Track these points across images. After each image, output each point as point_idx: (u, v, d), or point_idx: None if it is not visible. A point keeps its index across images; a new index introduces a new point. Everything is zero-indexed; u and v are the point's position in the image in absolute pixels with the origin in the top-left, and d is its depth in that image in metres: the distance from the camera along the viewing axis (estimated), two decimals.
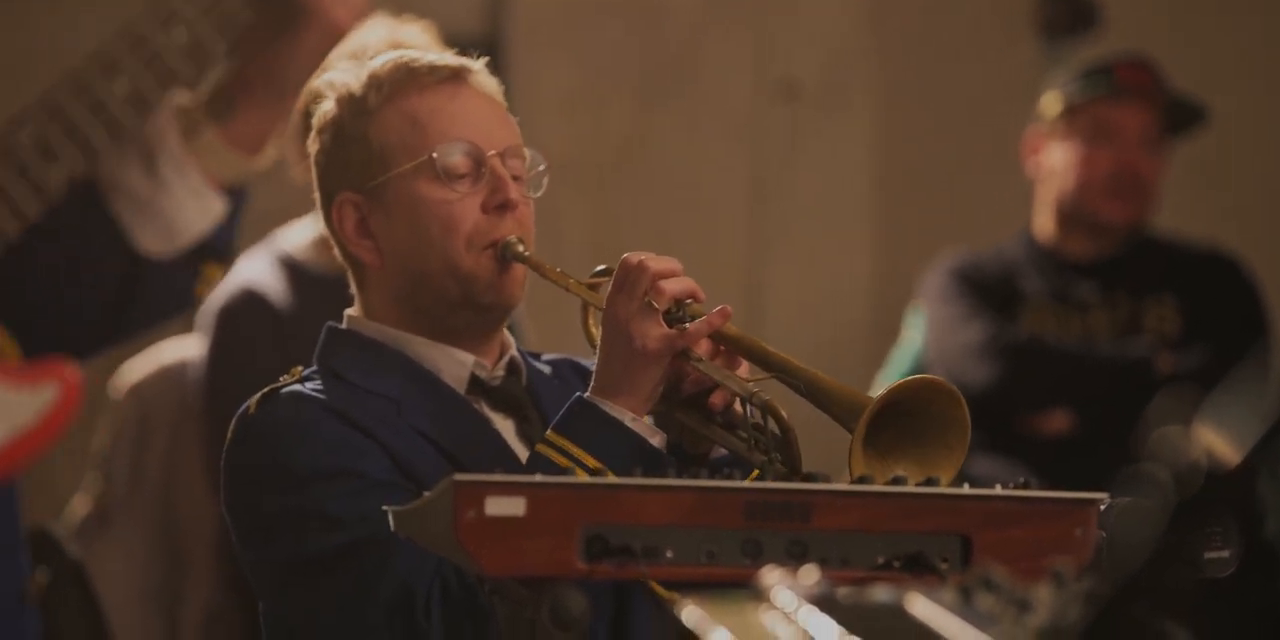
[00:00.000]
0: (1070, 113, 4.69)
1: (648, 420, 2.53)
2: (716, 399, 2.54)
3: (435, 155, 2.62)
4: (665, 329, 2.51)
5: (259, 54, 2.12)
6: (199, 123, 2.18)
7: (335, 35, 2.10)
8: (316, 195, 2.71)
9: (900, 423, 2.41)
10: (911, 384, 2.40)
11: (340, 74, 2.67)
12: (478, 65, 2.69)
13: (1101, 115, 4.67)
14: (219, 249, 2.21)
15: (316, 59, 2.13)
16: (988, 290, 4.68)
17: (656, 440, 2.52)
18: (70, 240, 2.02)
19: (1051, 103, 4.74)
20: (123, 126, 2.03)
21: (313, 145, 2.70)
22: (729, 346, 2.55)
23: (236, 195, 2.21)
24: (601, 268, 2.70)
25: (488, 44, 2.85)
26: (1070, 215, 4.70)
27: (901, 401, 2.39)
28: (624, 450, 2.46)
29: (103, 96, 2.03)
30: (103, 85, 2.04)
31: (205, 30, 2.06)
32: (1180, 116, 4.73)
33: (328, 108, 2.67)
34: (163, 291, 2.23)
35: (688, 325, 2.51)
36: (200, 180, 2.17)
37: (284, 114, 2.17)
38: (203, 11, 2.06)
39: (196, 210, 2.19)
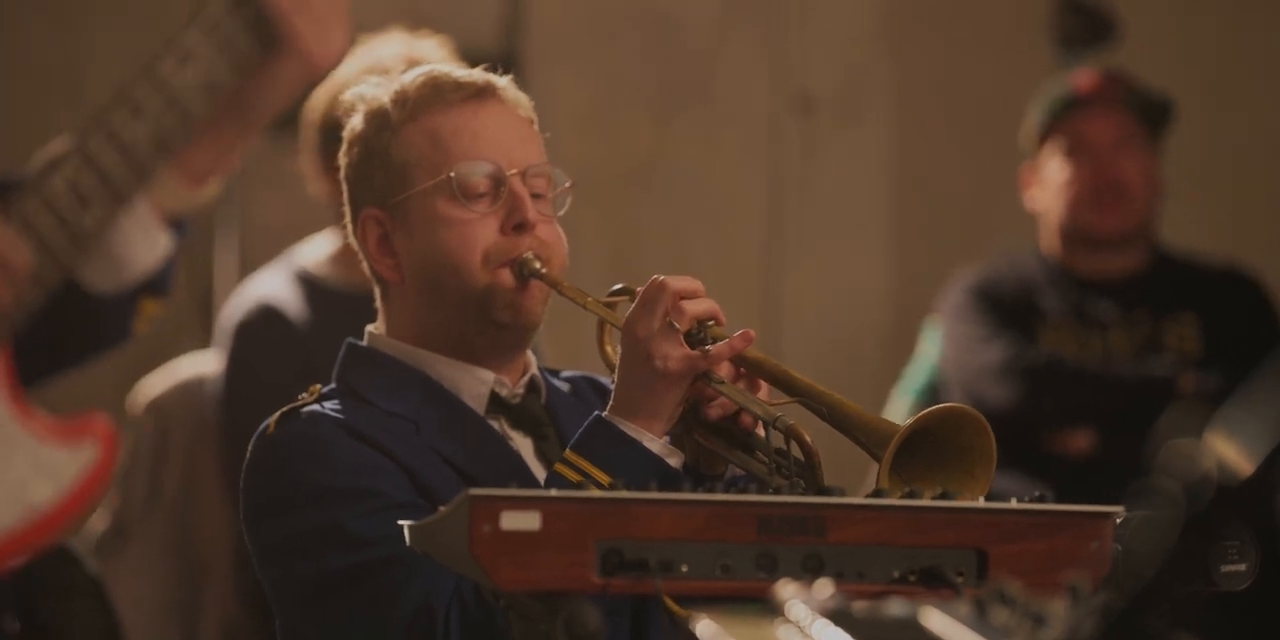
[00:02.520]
0: (1044, 138, 4.71)
1: (665, 440, 2.53)
2: (738, 422, 2.53)
3: (454, 174, 2.62)
4: (687, 350, 2.51)
5: (233, 88, 2.09)
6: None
7: (312, 72, 2.07)
8: (346, 209, 2.71)
9: (926, 451, 2.40)
10: (939, 412, 2.39)
11: (372, 88, 2.67)
12: (504, 82, 2.68)
13: (1072, 131, 4.68)
14: (160, 285, 2.16)
15: (286, 95, 2.10)
16: (1007, 308, 4.68)
17: (674, 461, 2.51)
18: None
19: (1028, 135, 4.75)
20: (148, 170, 2.01)
21: (343, 159, 2.70)
22: (751, 370, 2.54)
23: (179, 228, 2.16)
24: (619, 287, 2.69)
25: (504, 59, 2.85)
26: (1071, 236, 4.71)
27: (928, 429, 2.39)
28: (641, 470, 2.45)
29: (128, 139, 2.02)
30: (129, 128, 2.02)
31: (220, 68, 2.05)
32: (1153, 115, 4.72)
33: (357, 122, 2.68)
34: (102, 327, 2.19)
35: (710, 347, 2.51)
36: (148, 214, 2.11)
37: (238, 148, 2.13)
38: (216, 50, 2.05)
39: (144, 245, 2.13)
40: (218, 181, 2.16)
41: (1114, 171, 4.65)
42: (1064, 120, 4.68)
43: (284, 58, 2.03)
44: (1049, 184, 4.70)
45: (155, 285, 2.15)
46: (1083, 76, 4.73)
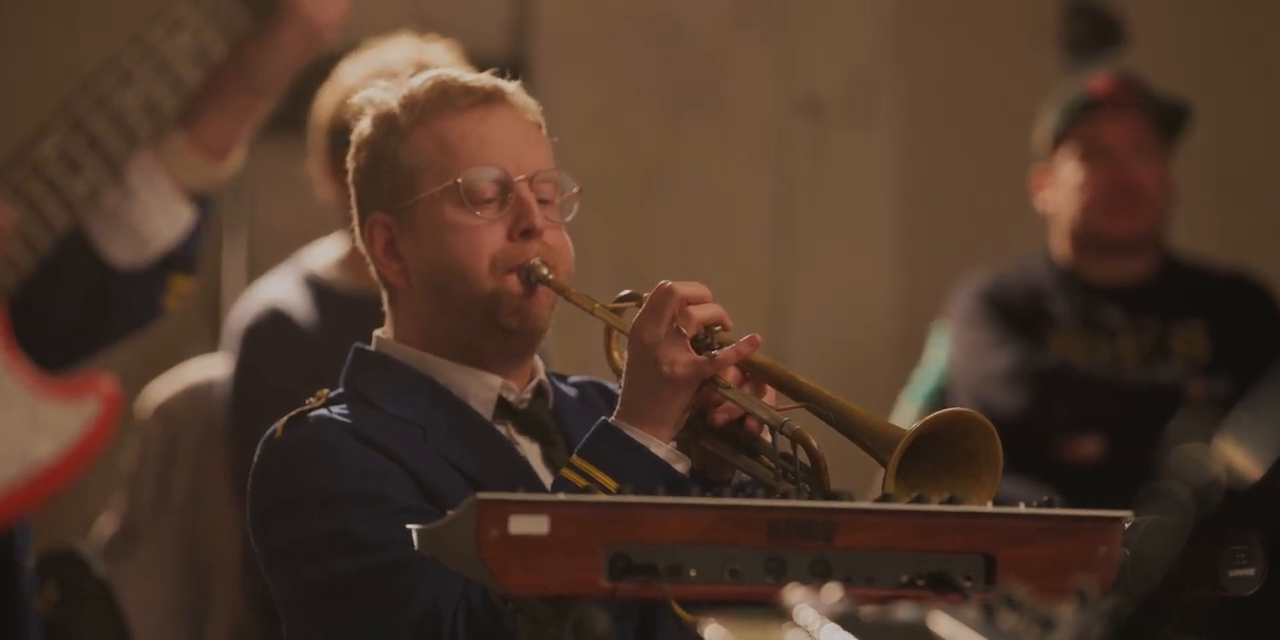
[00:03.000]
0: (1059, 141, 4.70)
1: (672, 446, 2.52)
2: (745, 427, 2.53)
3: (461, 180, 2.62)
4: (694, 355, 2.50)
5: (234, 56, 2.10)
6: (165, 128, 2.14)
7: (312, 36, 2.08)
8: (354, 213, 2.72)
9: (932, 455, 2.40)
10: (946, 417, 2.39)
11: (380, 92, 2.67)
12: (513, 86, 2.68)
13: (1087, 135, 4.67)
14: (186, 260, 2.18)
15: (291, 60, 2.11)
16: (1015, 314, 4.67)
17: (681, 466, 2.51)
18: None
19: (1041, 138, 4.75)
20: (138, 137, 2.03)
21: (350, 163, 2.70)
22: (758, 375, 2.54)
23: (203, 204, 2.18)
24: (626, 293, 2.69)
25: (512, 63, 2.85)
26: (1083, 239, 4.70)
27: (934, 434, 2.39)
28: (648, 476, 2.45)
29: (119, 106, 2.03)
30: (119, 95, 2.03)
31: (209, 35, 2.06)
32: (1168, 120, 4.72)
33: (365, 126, 2.68)
34: (131, 303, 2.21)
35: (716, 352, 2.51)
36: (168, 188, 2.13)
37: (252, 117, 2.14)
38: (206, 17, 2.05)
39: (164, 219, 2.15)
40: (238, 155, 2.16)
41: (1129, 176, 4.65)
42: (1079, 123, 4.67)
43: (284, 23, 2.04)
44: (1062, 186, 4.70)
45: (182, 260, 2.17)
46: (1099, 80, 4.72)
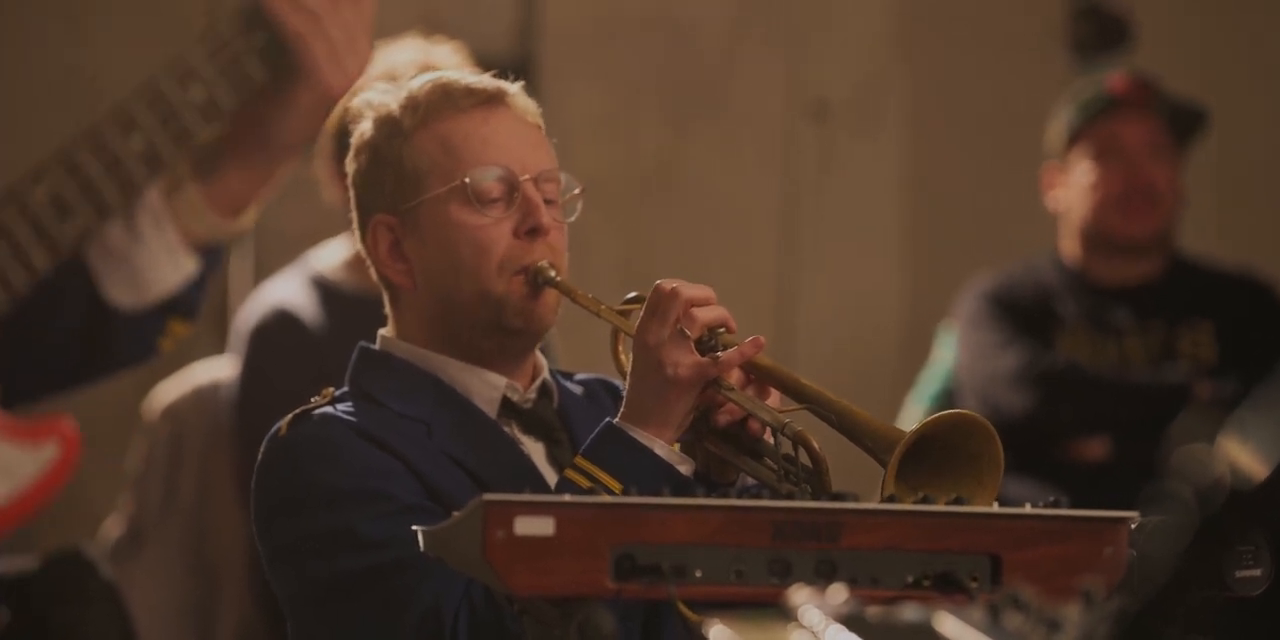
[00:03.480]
0: (1074, 140, 4.69)
1: (676, 448, 2.53)
2: (748, 429, 2.53)
3: (468, 180, 2.63)
4: (697, 357, 2.51)
5: (252, 114, 2.08)
6: (182, 179, 2.12)
7: (329, 99, 2.06)
8: (354, 215, 2.72)
9: (933, 457, 2.40)
10: (946, 419, 2.39)
11: (380, 94, 2.68)
12: (515, 88, 2.69)
13: (1104, 134, 4.67)
14: (188, 306, 2.16)
15: (310, 123, 2.09)
16: (1023, 315, 4.67)
17: (685, 468, 2.51)
18: (42, 284, 1.99)
19: (1055, 136, 4.74)
20: (135, 184, 2.02)
21: (350, 165, 2.71)
22: (761, 377, 2.55)
23: (213, 254, 2.16)
24: (633, 295, 2.70)
25: (518, 65, 2.86)
26: (1094, 239, 4.69)
27: (935, 436, 2.39)
28: (652, 477, 2.45)
29: (119, 153, 2.02)
30: (119, 141, 2.02)
31: (222, 89, 2.05)
32: (1184, 123, 4.72)
33: (365, 129, 2.68)
34: (127, 342, 2.19)
35: (720, 354, 2.51)
36: (176, 237, 2.11)
37: (268, 178, 2.12)
38: (220, 71, 2.04)
39: (169, 266, 2.12)
40: (252, 212, 2.15)
41: (1144, 177, 4.65)
42: (1096, 122, 4.66)
43: (302, 85, 2.03)
44: (1075, 185, 4.69)
45: (184, 306, 2.15)
46: (1117, 79, 4.71)
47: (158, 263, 2.07)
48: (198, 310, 2.17)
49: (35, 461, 1.93)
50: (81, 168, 1.95)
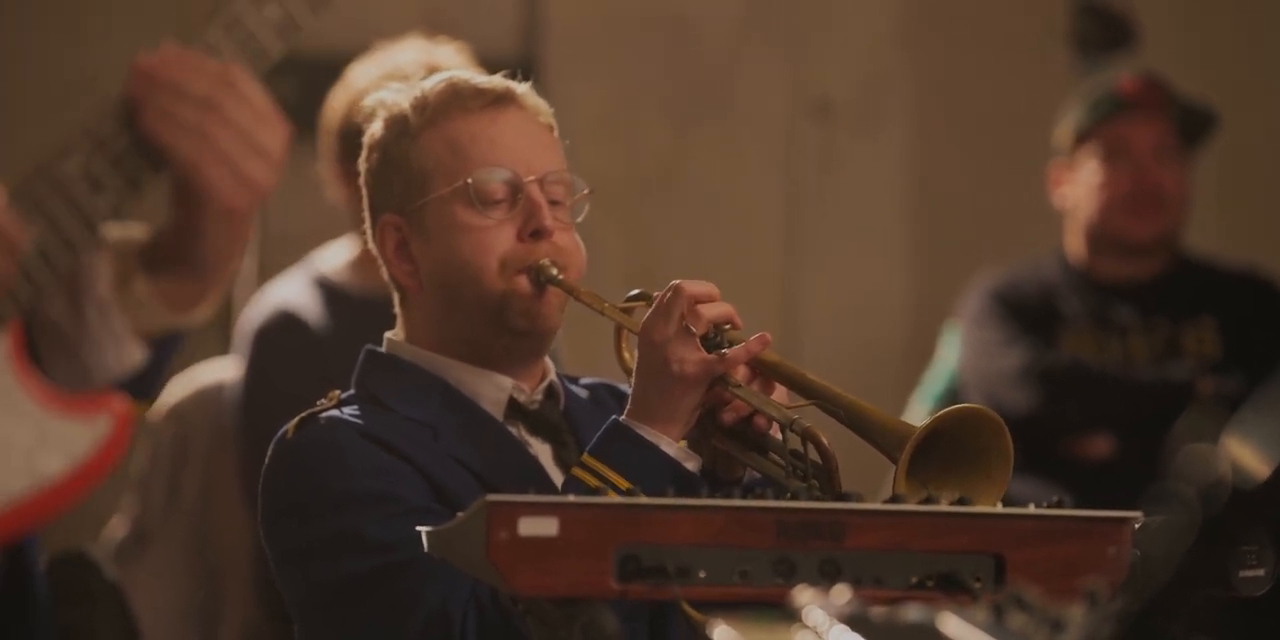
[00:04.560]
0: (1082, 139, 4.69)
1: (683, 445, 2.53)
2: (755, 425, 2.53)
3: (471, 181, 2.63)
4: (703, 354, 2.51)
5: (169, 230, 1.97)
6: (131, 271, 2.01)
7: (235, 219, 1.93)
8: (365, 215, 2.72)
9: (943, 452, 2.40)
10: (956, 413, 2.39)
11: (392, 94, 2.68)
12: (524, 88, 2.69)
13: (1113, 134, 4.66)
14: (140, 389, 2.06)
15: (225, 244, 1.96)
16: (1027, 313, 4.67)
17: (691, 465, 2.51)
18: None
19: (1064, 134, 4.73)
20: (165, 161, 1.96)
21: (362, 165, 2.71)
22: (767, 373, 2.55)
23: (167, 343, 2.06)
24: (636, 292, 2.70)
25: (523, 65, 2.85)
26: (1099, 239, 4.69)
27: (945, 431, 2.39)
28: (659, 474, 2.45)
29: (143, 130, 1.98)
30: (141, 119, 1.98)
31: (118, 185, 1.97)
32: (1194, 125, 4.71)
33: (376, 128, 2.69)
34: None
35: (726, 351, 2.51)
36: (124, 328, 1.99)
37: (213, 284, 2.01)
38: (111, 166, 1.97)
39: (114, 356, 2.03)
40: (208, 307, 2.05)
41: (1153, 179, 4.64)
42: (1105, 122, 4.66)
43: (200, 212, 1.92)
44: (1082, 184, 4.69)
45: (133, 390, 2.06)
46: (1128, 80, 4.71)
47: (102, 351, 1.97)
48: (153, 392, 2.09)
49: (90, 435, 1.92)
50: (109, 142, 1.92)
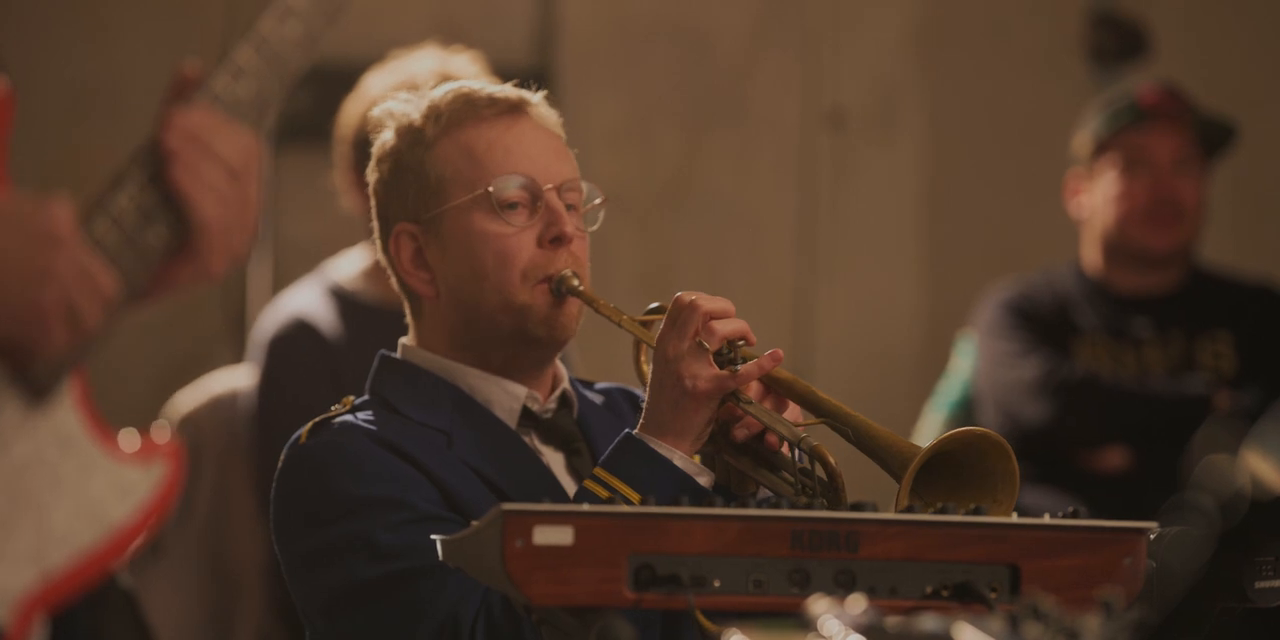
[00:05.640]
0: (1101, 149, 4.68)
1: (696, 460, 2.53)
2: (766, 442, 2.53)
3: (491, 188, 2.63)
4: (716, 370, 2.51)
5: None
6: None
7: (203, 281, 1.97)
8: (375, 224, 2.72)
9: (948, 473, 2.40)
10: (962, 436, 2.39)
11: (401, 104, 2.68)
12: (537, 97, 2.69)
13: (1132, 145, 4.65)
14: None
15: (177, 290, 2.00)
16: (1042, 324, 4.66)
17: (704, 479, 2.51)
18: None
19: (1083, 143, 4.73)
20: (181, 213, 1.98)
21: (372, 174, 2.71)
22: (779, 390, 2.55)
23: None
24: (655, 305, 2.70)
25: (537, 75, 2.85)
26: (1116, 249, 4.68)
27: (951, 452, 2.38)
28: (671, 488, 2.45)
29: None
30: None
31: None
32: (1213, 137, 4.71)
33: (387, 138, 2.69)
34: None
35: (739, 367, 2.51)
36: None
37: (124, 311, 2.04)
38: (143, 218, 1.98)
39: None
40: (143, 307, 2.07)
41: (1171, 190, 4.63)
42: (1125, 132, 4.65)
43: (187, 266, 1.96)
44: (1100, 195, 4.68)
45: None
46: (1148, 90, 4.70)
47: None
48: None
49: (149, 480, 1.93)
50: (157, 175, 1.94)
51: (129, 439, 1.93)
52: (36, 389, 1.88)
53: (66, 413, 1.90)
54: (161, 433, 1.95)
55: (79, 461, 1.89)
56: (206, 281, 1.94)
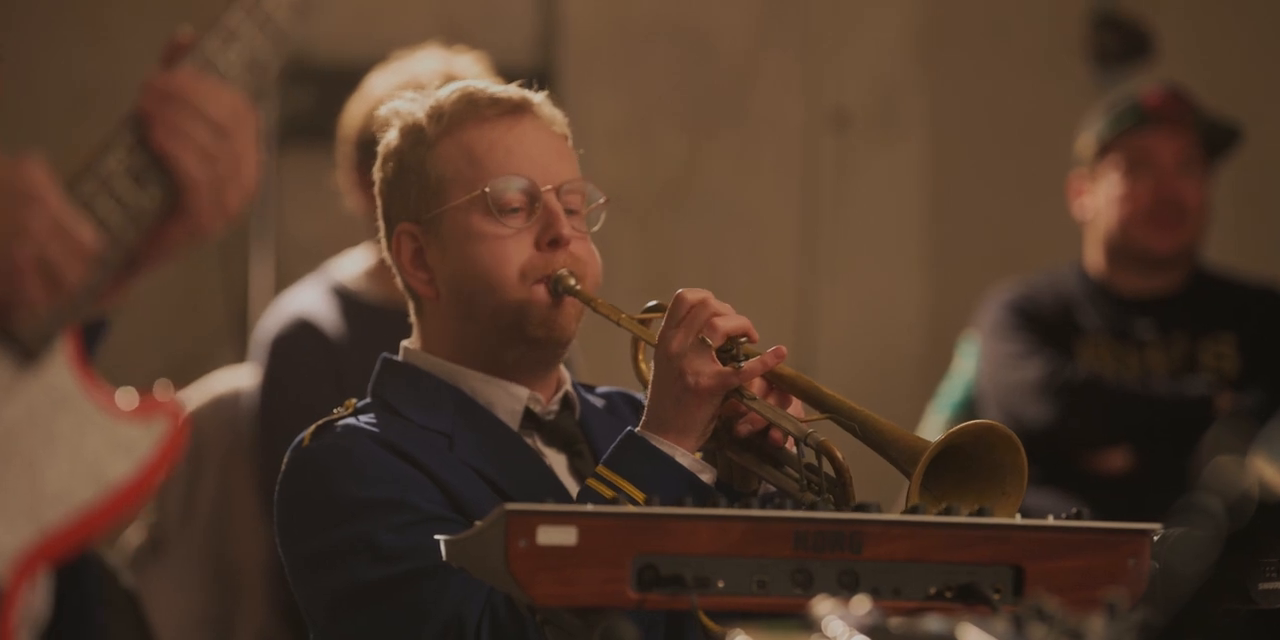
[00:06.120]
0: (1105, 150, 4.68)
1: (698, 457, 2.53)
2: (770, 438, 2.53)
3: (488, 190, 2.63)
4: (719, 366, 2.51)
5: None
6: None
7: (200, 238, 1.98)
8: (380, 224, 2.72)
9: (957, 467, 2.40)
10: (971, 429, 2.39)
11: (407, 103, 2.68)
12: (540, 97, 2.69)
13: (1135, 147, 4.65)
14: None
15: (172, 249, 2.01)
16: (1045, 325, 4.66)
17: (706, 476, 2.51)
18: None
19: (1086, 144, 4.72)
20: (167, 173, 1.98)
21: (377, 174, 2.71)
22: (783, 386, 2.54)
23: (92, 331, 2.08)
24: (653, 303, 2.70)
25: (539, 75, 2.85)
26: (1119, 251, 4.68)
27: (960, 446, 2.38)
28: (674, 486, 2.45)
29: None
30: None
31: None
32: (1216, 139, 4.71)
33: (391, 137, 2.69)
34: None
35: (742, 363, 2.51)
36: None
37: (140, 280, 2.04)
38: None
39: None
40: (127, 292, 2.07)
41: (1175, 192, 4.63)
42: (1129, 134, 4.65)
43: (173, 222, 1.96)
44: (1103, 196, 4.68)
45: None
46: (1152, 92, 4.70)
47: None
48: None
49: (150, 437, 1.93)
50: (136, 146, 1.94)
51: (128, 397, 1.93)
52: (26, 349, 1.87)
53: (60, 371, 1.90)
54: (164, 391, 1.95)
55: (74, 419, 1.89)
56: (201, 240, 1.95)
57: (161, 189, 1.93)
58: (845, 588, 2.12)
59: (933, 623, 1.81)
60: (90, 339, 2.01)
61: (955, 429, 2.39)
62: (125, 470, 1.90)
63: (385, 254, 2.72)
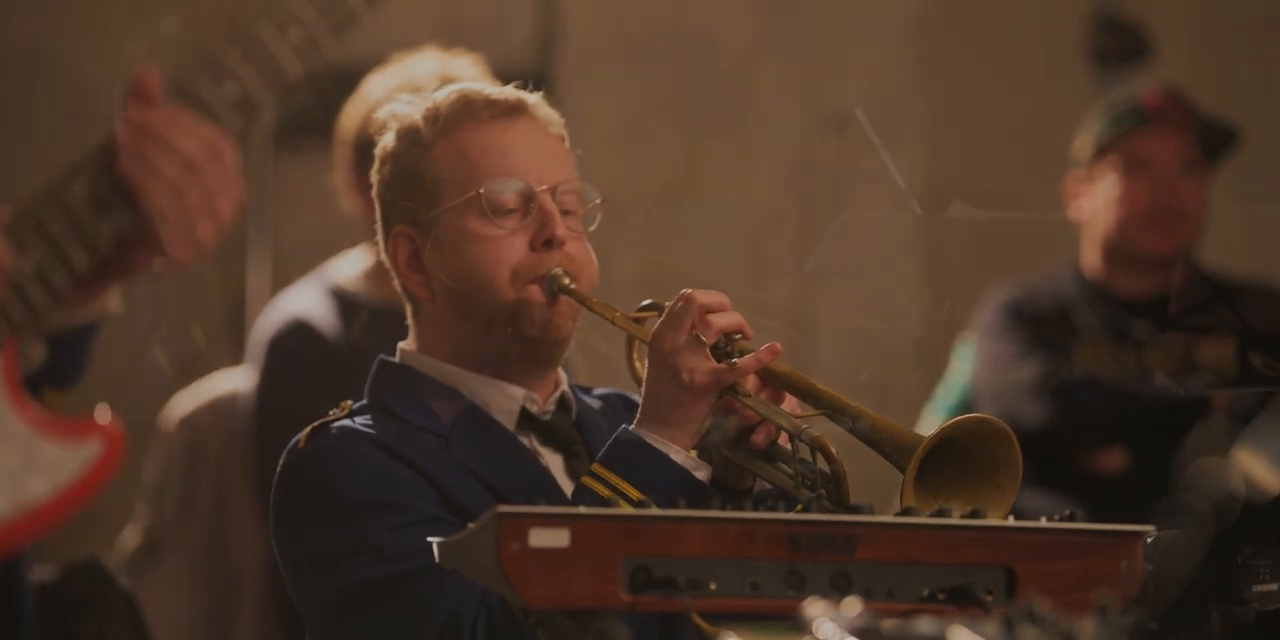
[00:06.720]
0: (1103, 152, 4.68)
1: (693, 454, 2.53)
2: (764, 435, 2.53)
3: (483, 191, 2.63)
4: (713, 363, 2.51)
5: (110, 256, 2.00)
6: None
7: (172, 268, 1.99)
8: (378, 226, 2.73)
9: (952, 462, 2.40)
10: (965, 423, 2.39)
11: (404, 105, 2.69)
12: (536, 99, 2.69)
13: (1133, 148, 4.65)
14: (57, 378, 2.06)
15: (138, 275, 2.02)
16: (1041, 326, 4.66)
17: (701, 474, 2.51)
18: None
19: (1084, 146, 4.73)
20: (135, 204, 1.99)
21: (375, 176, 2.72)
22: (778, 383, 2.55)
23: (79, 334, 2.07)
24: (647, 302, 2.70)
25: (537, 77, 2.86)
26: (1116, 252, 4.68)
27: (954, 440, 2.39)
28: (669, 483, 2.46)
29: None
30: None
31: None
32: (1214, 141, 4.71)
33: (388, 139, 2.69)
34: None
35: (736, 360, 2.51)
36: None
37: (100, 297, 2.04)
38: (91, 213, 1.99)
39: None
40: (108, 300, 2.07)
41: (1172, 194, 4.63)
42: (1127, 136, 4.65)
43: (144, 254, 1.97)
44: (1100, 197, 4.68)
45: (51, 379, 2.06)
46: (1150, 94, 4.70)
47: None
48: (74, 379, 2.09)
49: (78, 459, 1.93)
50: (114, 168, 1.96)
51: (62, 418, 1.93)
52: None
53: None
54: (103, 414, 1.95)
55: None
56: (171, 269, 1.96)
57: (125, 217, 1.94)
58: (838, 590, 2.12)
59: (925, 625, 1.81)
60: (79, 344, 2.01)
61: (949, 423, 2.39)
62: (44, 490, 1.90)
63: (382, 256, 2.73)
